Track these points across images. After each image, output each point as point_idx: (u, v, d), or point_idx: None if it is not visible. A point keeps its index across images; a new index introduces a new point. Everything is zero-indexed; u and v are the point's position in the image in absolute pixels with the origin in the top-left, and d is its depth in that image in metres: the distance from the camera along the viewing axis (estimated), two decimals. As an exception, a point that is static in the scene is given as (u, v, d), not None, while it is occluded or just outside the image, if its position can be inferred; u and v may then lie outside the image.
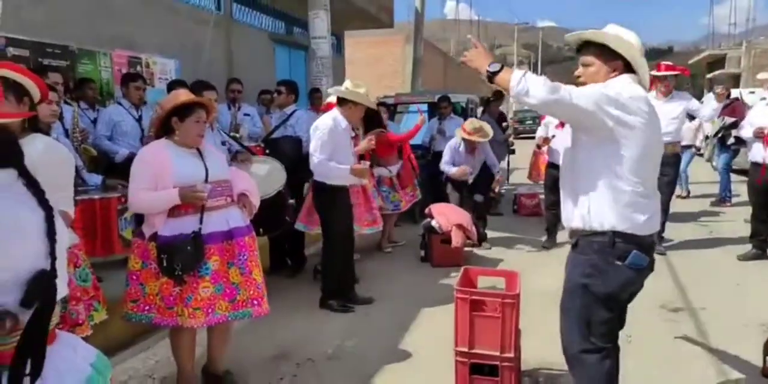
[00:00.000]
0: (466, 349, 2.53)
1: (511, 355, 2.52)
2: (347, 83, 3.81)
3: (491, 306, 2.56)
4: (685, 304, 3.90)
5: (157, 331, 3.35)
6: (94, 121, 4.50)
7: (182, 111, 2.50)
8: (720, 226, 6.42)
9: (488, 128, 5.35)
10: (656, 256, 5.15)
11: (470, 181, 5.48)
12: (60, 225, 1.29)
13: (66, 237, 1.36)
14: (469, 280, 2.88)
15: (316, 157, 3.68)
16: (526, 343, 3.02)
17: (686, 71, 5.17)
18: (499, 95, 7.64)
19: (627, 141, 1.90)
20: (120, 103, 4.53)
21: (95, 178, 3.58)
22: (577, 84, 2.03)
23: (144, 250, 2.50)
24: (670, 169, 5.11)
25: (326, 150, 3.69)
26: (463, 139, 5.35)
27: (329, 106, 4.13)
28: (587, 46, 2.05)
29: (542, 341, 3.25)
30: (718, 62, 24.93)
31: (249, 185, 2.76)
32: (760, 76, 5.41)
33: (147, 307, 2.49)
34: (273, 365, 3.04)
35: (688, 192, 8.30)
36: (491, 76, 1.92)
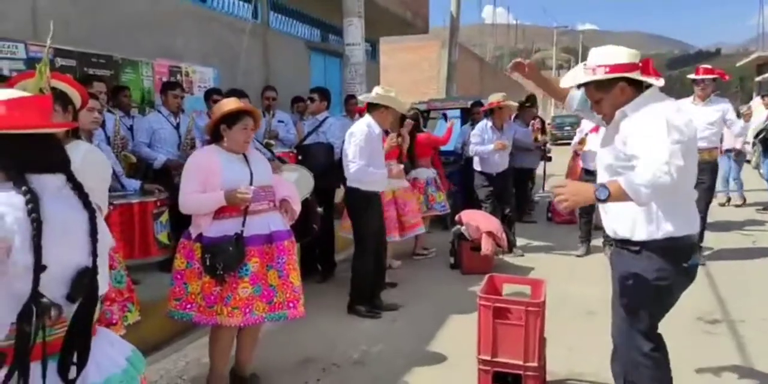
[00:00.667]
0: (488, 358, 2.52)
1: (535, 364, 2.49)
2: (377, 89, 3.86)
3: (515, 314, 2.54)
4: (724, 316, 3.77)
5: (188, 333, 3.46)
6: (130, 128, 4.68)
7: (230, 119, 2.63)
8: (765, 235, 6.17)
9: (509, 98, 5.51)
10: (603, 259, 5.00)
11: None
12: (102, 225, 1.38)
13: (108, 237, 1.45)
14: (494, 288, 2.86)
15: (355, 164, 3.73)
16: (553, 353, 2.99)
17: (724, 75, 5.01)
18: (532, 100, 7.56)
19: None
20: (159, 111, 4.70)
21: (134, 184, 3.71)
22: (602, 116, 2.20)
23: (189, 251, 2.62)
24: (707, 175, 4.96)
25: (365, 156, 3.75)
26: (491, 114, 5.51)
27: (363, 109, 4.19)
28: (585, 85, 2.14)
29: (570, 351, 3.22)
30: (767, 65, 23.97)
31: (291, 192, 2.87)
32: None
33: (189, 306, 2.60)
34: (298, 369, 3.09)
35: (744, 200, 7.96)
36: (607, 201, 1.87)
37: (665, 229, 2.05)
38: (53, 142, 1.35)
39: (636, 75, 2.03)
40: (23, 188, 1.22)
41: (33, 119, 1.28)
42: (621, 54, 2.07)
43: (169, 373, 3.07)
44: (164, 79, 5.75)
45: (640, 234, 2.08)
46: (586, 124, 5.51)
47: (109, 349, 1.40)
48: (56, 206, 1.27)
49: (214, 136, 2.70)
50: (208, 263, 2.50)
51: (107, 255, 1.44)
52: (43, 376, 1.20)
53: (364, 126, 3.80)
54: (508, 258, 5.35)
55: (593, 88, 2.11)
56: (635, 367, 2.19)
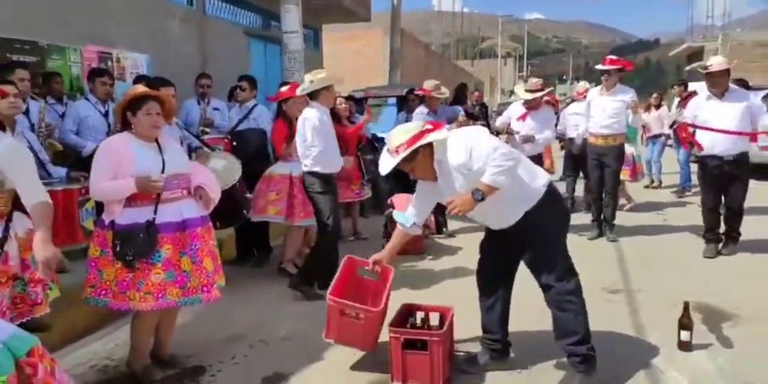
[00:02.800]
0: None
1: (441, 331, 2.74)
2: (308, 77, 3.95)
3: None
4: (625, 286, 4.14)
5: (119, 317, 3.53)
6: (63, 115, 4.63)
7: (134, 104, 2.67)
8: (676, 214, 6.69)
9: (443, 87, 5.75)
10: (607, 243, 5.41)
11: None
12: None
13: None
14: (408, 313, 3.07)
15: (317, 148, 3.87)
16: (467, 323, 3.23)
17: (628, 65, 5.41)
18: (464, 88, 7.88)
19: None
20: (87, 99, 4.66)
21: (60, 171, 3.72)
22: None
23: (103, 239, 2.68)
24: (613, 159, 5.38)
25: (323, 139, 3.90)
26: (423, 100, 5.78)
27: (280, 95, 4.29)
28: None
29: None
30: (697, 54, 25.26)
31: (207, 179, 2.93)
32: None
33: (103, 292, 2.66)
34: (226, 345, 3.24)
35: (660, 182, 8.54)
36: (484, 198, 2.44)
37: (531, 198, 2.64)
38: None
39: (426, 139, 2.50)
40: None
41: None
42: (409, 130, 2.54)
43: (98, 355, 3.16)
44: (93, 66, 5.67)
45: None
46: (514, 110, 5.77)
47: None
48: None
49: (124, 124, 2.74)
50: (118, 250, 2.56)
51: None
52: None
53: (315, 111, 3.91)
54: (439, 239, 5.62)
55: (411, 158, 2.52)
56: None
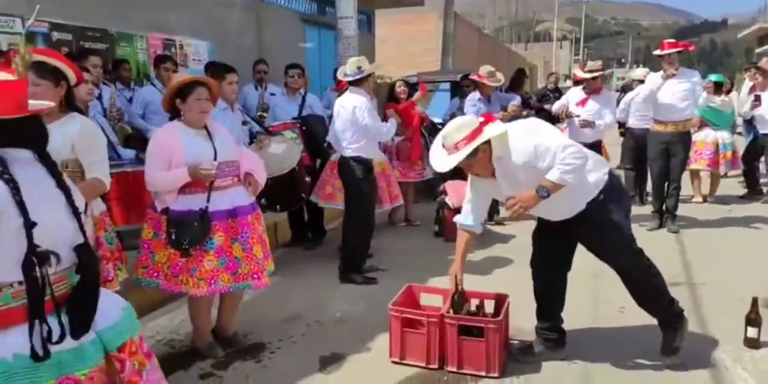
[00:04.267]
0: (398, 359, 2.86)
1: (435, 365, 2.75)
2: (352, 64, 4.00)
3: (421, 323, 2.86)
4: (686, 280, 4.01)
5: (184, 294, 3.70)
6: (130, 100, 4.85)
7: (183, 91, 2.71)
8: (741, 205, 6.37)
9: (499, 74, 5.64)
10: (668, 235, 5.25)
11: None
12: (78, 200, 1.46)
13: (82, 207, 1.49)
14: (412, 296, 3.12)
15: (365, 134, 4.00)
16: (523, 311, 3.22)
17: (689, 46, 5.17)
18: (522, 73, 7.66)
19: None
20: (153, 84, 4.85)
21: (129, 153, 3.89)
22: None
23: (156, 222, 2.76)
24: (680, 146, 5.15)
25: (372, 126, 4.02)
26: (477, 86, 5.71)
27: (342, 85, 4.33)
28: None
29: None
30: (769, 36, 23.74)
31: (255, 165, 2.96)
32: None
33: (155, 274, 2.76)
34: (284, 326, 3.35)
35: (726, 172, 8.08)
36: (549, 196, 2.44)
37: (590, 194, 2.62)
38: (27, 124, 1.40)
39: (484, 135, 2.43)
40: None
41: (3, 106, 1.32)
42: (466, 125, 2.47)
43: (165, 330, 3.33)
44: (158, 53, 5.88)
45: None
46: (573, 95, 5.60)
47: (109, 295, 1.56)
48: (28, 172, 1.35)
49: (173, 113, 2.78)
50: (174, 238, 2.62)
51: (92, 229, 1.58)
52: (61, 325, 1.34)
53: (362, 98, 3.96)
54: (490, 226, 5.57)
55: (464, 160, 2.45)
56: None
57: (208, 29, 6.83)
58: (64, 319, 1.35)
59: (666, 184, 5.35)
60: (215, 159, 2.68)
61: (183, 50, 6.48)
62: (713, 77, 6.53)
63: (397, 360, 2.87)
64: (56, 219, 1.37)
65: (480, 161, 2.50)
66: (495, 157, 2.51)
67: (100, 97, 4.13)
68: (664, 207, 5.40)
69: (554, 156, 2.41)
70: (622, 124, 8.55)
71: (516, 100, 5.97)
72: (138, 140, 4.59)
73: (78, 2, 5.11)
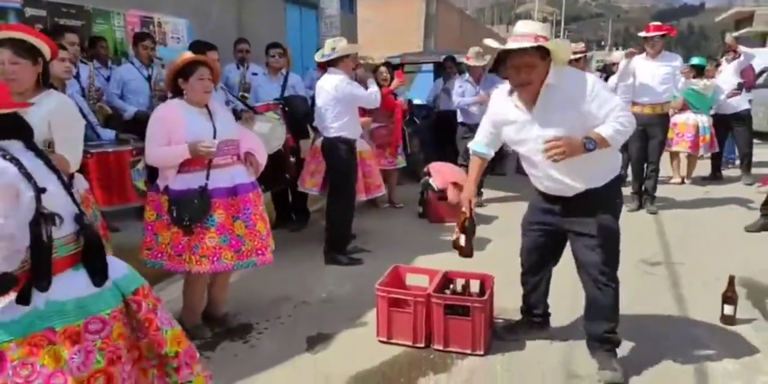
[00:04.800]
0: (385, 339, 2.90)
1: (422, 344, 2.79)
2: (328, 44, 3.97)
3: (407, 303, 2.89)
4: (665, 259, 4.11)
5: (171, 274, 3.68)
6: (108, 79, 4.72)
7: (185, 71, 2.72)
8: (718, 187, 6.52)
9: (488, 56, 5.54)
10: (646, 216, 5.35)
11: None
12: (66, 179, 1.67)
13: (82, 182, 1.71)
14: (398, 276, 3.16)
15: (345, 113, 3.97)
16: (507, 291, 3.28)
17: (672, 31, 5.25)
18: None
19: None
20: (132, 63, 4.73)
21: (109, 133, 3.80)
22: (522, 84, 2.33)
23: (157, 204, 2.78)
24: (659, 129, 5.23)
25: (349, 105, 3.99)
26: (468, 69, 5.73)
27: (322, 65, 4.28)
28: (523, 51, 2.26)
29: (520, 291, 3.52)
30: (746, 20, 24.00)
31: (255, 144, 2.99)
32: None
33: (159, 255, 2.78)
34: (272, 306, 3.36)
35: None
36: (593, 150, 2.25)
37: (614, 172, 2.51)
38: (10, 118, 1.58)
39: (553, 42, 2.29)
40: None
41: None
42: (546, 28, 2.37)
43: (151, 311, 3.30)
44: (136, 30, 5.72)
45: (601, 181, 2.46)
46: None
47: (111, 260, 1.75)
48: (24, 157, 1.52)
49: (175, 91, 2.79)
50: (175, 215, 2.65)
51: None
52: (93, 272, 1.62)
53: (340, 77, 3.92)
54: (475, 208, 5.60)
55: (539, 56, 2.25)
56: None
57: (187, 7, 6.66)
58: (83, 272, 1.62)
59: (645, 165, 5.43)
60: (215, 137, 2.70)
61: (161, 28, 6.32)
62: (695, 60, 6.61)
63: (384, 339, 2.90)
64: (56, 190, 1.57)
65: (540, 72, 2.27)
66: (546, 85, 2.29)
67: (77, 76, 4.02)
68: (642, 188, 5.49)
69: (611, 110, 2.25)
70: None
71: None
72: (117, 120, 4.50)
73: (52, -23, 4.93)
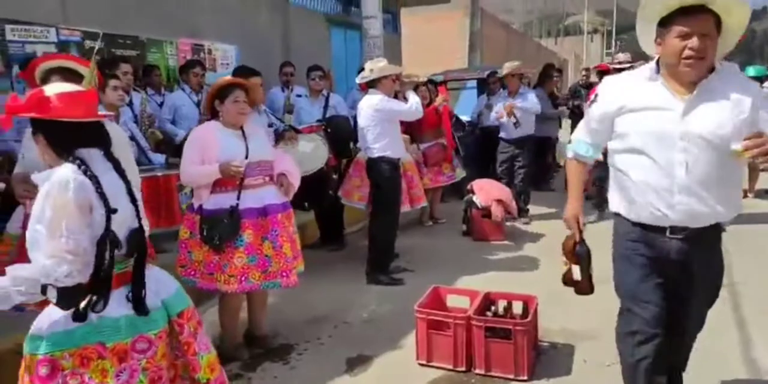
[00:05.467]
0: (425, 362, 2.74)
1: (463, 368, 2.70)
2: (368, 65, 4.04)
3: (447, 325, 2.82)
4: (726, 279, 3.83)
5: (212, 297, 3.75)
6: (161, 105, 4.94)
7: (221, 93, 2.81)
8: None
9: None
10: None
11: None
12: (137, 191, 1.76)
13: (139, 197, 1.79)
14: (438, 297, 3.10)
15: (386, 134, 3.99)
16: (550, 311, 3.18)
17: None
18: (550, 68, 7.52)
19: None
20: (183, 89, 4.94)
21: (159, 158, 3.99)
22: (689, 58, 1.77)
23: (192, 222, 2.85)
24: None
25: (391, 125, 4.04)
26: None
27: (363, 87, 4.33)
28: (700, 12, 1.75)
29: (565, 311, 3.41)
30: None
31: (290, 166, 3.02)
32: None
33: (193, 272, 2.84)
34: (312, 326, 3.37)
35: None
36: None
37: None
38: (96, 127, 1.71)
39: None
40: (70, 158, 1.61)
41: (80, 111, 1.63)
42: None
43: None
44: (188, 58, 5.98)
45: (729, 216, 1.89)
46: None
47: (163, 275, 1.86)
48: (100, 168, 1.64)
49: (212, 113, 2.87)
50: (205, 234, 2.71)
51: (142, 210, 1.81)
52: (135, 298, 1.67)
53: (382, 97, 3.96)
54: (520, 225, 5.49)
55: (715, 25, 1.76)
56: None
57: (235, 33, 6.92)
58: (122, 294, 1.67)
59: None
60: (246, 158, 2.76)
61: (211, 55, 6.58)
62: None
63: (424, 362, 2.85)
64: (122, 207, 1.64)
65: (713, 47, 1.77)
66: (716, 70, 1.82)
67: (130, 104, 4.23)
68: None
69: None
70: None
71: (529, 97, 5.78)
72: (168, 145, 4.69)
73: (109, 10, 5.24)
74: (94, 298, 1.59)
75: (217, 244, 2.71)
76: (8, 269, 1.55)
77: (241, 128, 2.87)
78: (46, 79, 2.66)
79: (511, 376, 2.67)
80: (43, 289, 1.53)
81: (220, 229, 2.70)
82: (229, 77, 2.94)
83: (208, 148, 2.76)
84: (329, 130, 4.65)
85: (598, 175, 5.46)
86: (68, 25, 4.84)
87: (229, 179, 2.75)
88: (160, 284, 1.78)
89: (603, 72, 6.25)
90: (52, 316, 1.62)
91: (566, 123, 8.57)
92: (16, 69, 4.30)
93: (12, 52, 4.43)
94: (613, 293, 2.89)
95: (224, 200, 2.77)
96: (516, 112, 5.48)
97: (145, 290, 1.69)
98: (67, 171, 1.57)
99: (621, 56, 5.42)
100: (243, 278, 2.77)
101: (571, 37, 45.27)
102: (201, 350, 1.80)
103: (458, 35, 17.09)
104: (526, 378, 2.66)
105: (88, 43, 4.99)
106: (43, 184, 1.58)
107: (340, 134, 4.55)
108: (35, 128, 1.66)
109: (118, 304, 1.63)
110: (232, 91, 2.80)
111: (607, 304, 2.92)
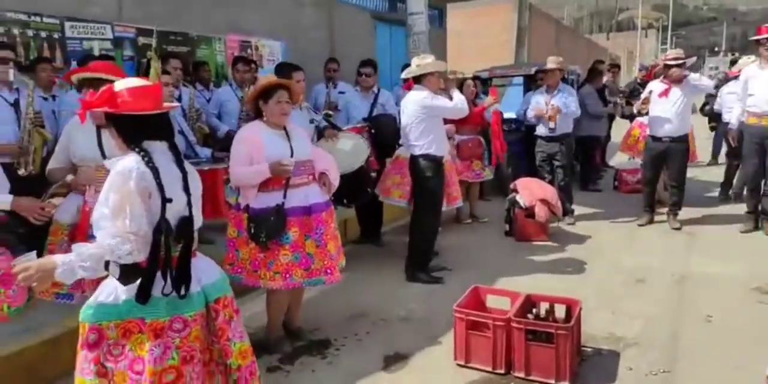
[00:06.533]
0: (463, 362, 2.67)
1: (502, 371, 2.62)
2: (415, 61, 3.98)
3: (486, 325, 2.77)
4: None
5: (253, 290, 3.81)
6: (209, 101, 5.05)
7: (265, 94, 2.83)
8: None
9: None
10: (762, 237, 4.85)
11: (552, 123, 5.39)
12: (195, 180, 1.90)
13: (200, 190, 1.96)
14: (478, 298, 3.04)
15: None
16: (596, 316, 3.09)
17: None
18: (601, 65, 7.28)
19: None
20: (230, 85, 5.04)
21: (206, 152, 4.07)
22: None
23: (239, 221, 2.89)
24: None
25: (436, 122, 4.00)
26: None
27: (410, 84, 4.28)
28: None
29: (613, 315, 3.30)
30: None
31: (329, 165, 3.03)
32: None
33: (239, 270, 2.89)
34: (350, 323, 3.37)
35: None
36: None
37: None
38: (162, 119, 1.84)
39: None
40: (137, 149, 1.75)
41: (147, 104, 1.77)
42: None
43: (237, 321, 3.44)
44: (235, 54, 6.10)
45: None
46: (655, 86, 5.24)
47: (209, 263, 1.97)
48: (162, 161, 1.77)
49: (257, 112, 2.90)
50: (252, 231, 2.76)
51: (200, 203, 1.94)
52: (176, 280, 1.77)
53: (427, 94, 3.91)
54: (565, 226, 5.35)
55: None
56: None
57: (282, 29, 7.01)
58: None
59: (762, 182, 4.91)
60: (292, 157, 2.79)
61: (258, 51, 6.69)
62: None
63: (462, 363, 2.81)
64: (177, 197, 1.77)
65: None
66: None
67: (179, 98, 4.34)
68: (759, 207, 4.96)
69: None
70: (713, 118, 7.94)
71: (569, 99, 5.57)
72: (213, 138, 4.79)
73: (162, 8, 5.39)
74: (161, 279, 1.74)
75: (263, 241, 2.76)
76: (74, 246, 1.71)
77: (284, 128, 2.90)
78: (80, 87, 2.77)
79: (552, 381, 2.60)
80: (106, 265, 1.69)
81: (267, 227, 2.74)
82: (273, 78, 2.96)
83: (256, 149, 2.79)
84: (373, 131, 4.63)
85: (650, 177, 5.28)
86: (123, 23, 5.01)
87: (278, 178, 2.78)
88: (203, 271, 1.89)
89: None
90: (104, 290, 1.79)
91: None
92: (74, 65, 4.49)
93: (71, 48, 4.62)
94: (659, 298, 2.80)
95: (271, 199, 2.80)
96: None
97: (188, 275, 1.79)
98: (131, 161, 1.73)
99: (672, 52, 5.15)
100: (287, 275, 2.80)
101: (625, 33, 43.79)
102: (234, 337, 1.89)
103: (505, 31, 16.79)
104: (567, 383, 2.58)
105: (141, 39, 5.16)
106: (111, 170, 1.74)
107: (385, 136, 4.52)
108: (108, 121, 1.81)
109: (160, 285, 1.75)
110: (276, 91, 2.82)
111: (652, 309, 2.83)
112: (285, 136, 2.87)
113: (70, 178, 2.57)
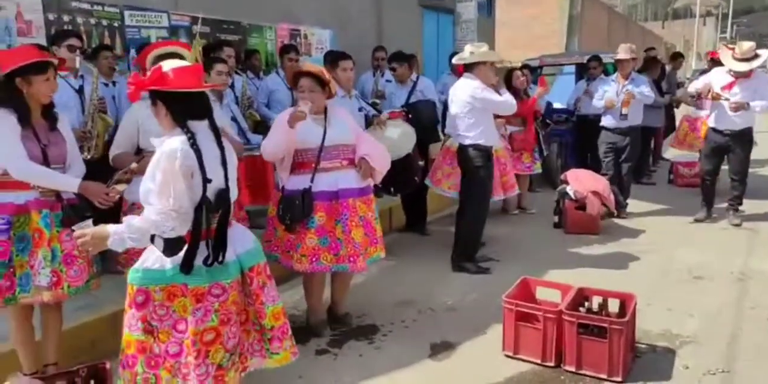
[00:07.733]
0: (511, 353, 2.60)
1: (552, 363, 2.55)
2: (468, 47, 3.89)
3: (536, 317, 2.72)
4: None
5: (292, 277, 3.85)
6: (259, 88, 5.12)
7: (294, 82, 2.91)
8: None
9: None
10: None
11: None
12: (231, 154, 2.01)
13: (235, 163, 2.06)
14: (528, 289, 2.98)
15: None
16: (651, 312, 3.01)
17: None
18: (654, 54, 7.00)
19: None
20: (278, 73, 5.09)
21: (257, 138, 4.13)
22: None
23: (276, 201, 2.95)
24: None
25: (486, 112, 3.95)
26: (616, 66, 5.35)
27: (461, 69, 4.22)
28: None
29: (669, 312, 3.20)
30: None
31: (373, 149, 2.99)
32: None
33: (275, 248, 2.94)
34: (397, 310, 3.38)
35: None
36: None
37: None
38: (203, 98, 1.96)
39: None
40: (184, 130, 1.86)
41: (192, 82, 1.88)
42: None
43: (286, 305, 3.47)
44: (285, 42, 6.15)
45: None
46: (716, 77, 4.97)
47: (244, 231, 2.13)
48: (204, 141, 1.88)
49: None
50: (280, 213, 2.81)
51: (235, 174, 2.04)
52: (214, 248, 1.91)
53: (478, 84, 3.83)
54: (619, 220, 5.19)
55: None
56: None
57: (330, 18, 7.03)
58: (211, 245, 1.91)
59: None
60: (323, 141, 2.82)
61: (307, 39, 6.73)
62: None
63: (510, 354, 2.78)
64: (215, 174, 1.89)
65: None
66: None
67: (232, 86, 4.41)
68: None
69: None
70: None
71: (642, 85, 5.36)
72: (263, 126, 4.86)
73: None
74: (203, 250, 1.88)
75: (288, 223, 2.80)
76: (125, 219, 1.87)
77: (325, 113, 2.91)
78: (155, 63, 2.84)
79: (604, 376, 2.54)
80: (152, 238, 1.84)
81: (292, 210, 2.77)
82: (298, 67, 3.00)
83: (289, 132, 2.82)
84: (410, 116, 4.62)
85: (708, 171, 5.06)
86: (178, 11, 5.13)
87: (308, 162, 2.82)
88: (239, 241, 2.03)
89: (714, 61, 5.73)
90: (151, 256, 1.93)
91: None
92: (132, 52, 4.63)
93: (129, 36, 4.76)
94: (717, 296, 2.69)
95: (301, 182, 2.83)
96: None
97: (224, 243, 1.92)
98: (177, 141, 1.84)
99: (745, 45, 4.80)
100: (314, 259, 2.83)
101: (681, 21, 41.92)
102: (267, 301, 2.05)
103: (555, 19, 16.36)
104: (620, 379, 2.52)
105: (195, 28, 5.26)
106: (158, 149, 1.85)
107: (422, 120, 4.49)
108: (157, 100, 1.90)
109: (202, 254, 1.88)
110: (299, 80, 2.86)
111: (710, 307, 2.72)
112: (322, 121, 2.89)
113: (134, 165, 2.66)
